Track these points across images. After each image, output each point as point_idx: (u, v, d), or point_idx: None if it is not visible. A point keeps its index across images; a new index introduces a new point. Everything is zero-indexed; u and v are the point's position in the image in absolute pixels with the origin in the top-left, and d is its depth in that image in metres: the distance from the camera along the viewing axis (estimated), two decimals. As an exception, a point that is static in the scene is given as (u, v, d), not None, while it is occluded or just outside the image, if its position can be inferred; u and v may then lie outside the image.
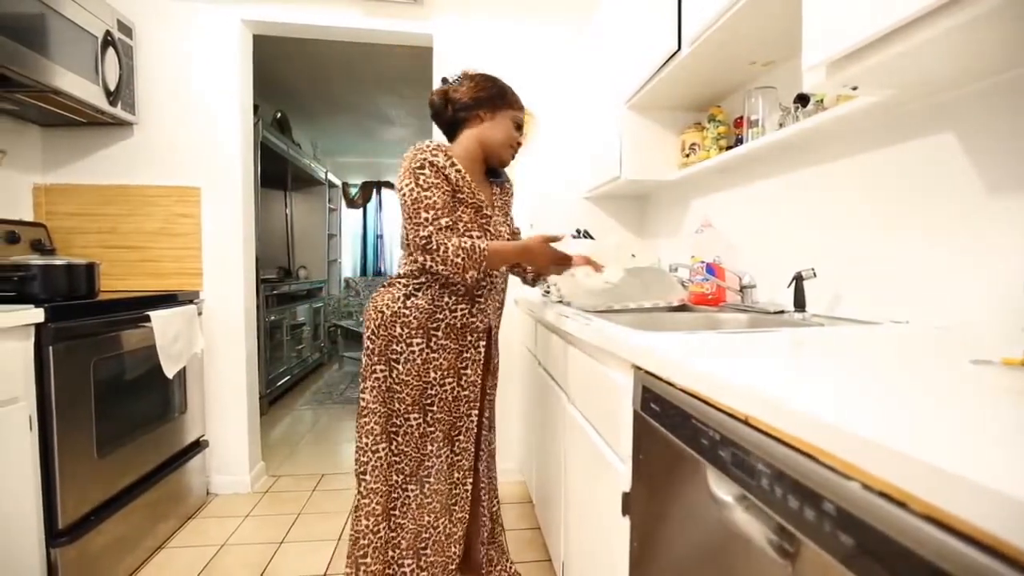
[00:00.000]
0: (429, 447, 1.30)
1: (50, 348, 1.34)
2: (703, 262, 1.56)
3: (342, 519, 1.97)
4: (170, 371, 1.79)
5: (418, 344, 1.27)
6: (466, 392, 1.33)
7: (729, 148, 1.55)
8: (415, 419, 1.29)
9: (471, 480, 1.36)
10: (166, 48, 2.07)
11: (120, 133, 2.07)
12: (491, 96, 1.32)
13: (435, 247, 1.18)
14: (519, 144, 1.37)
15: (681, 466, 0.68)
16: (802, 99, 1.21)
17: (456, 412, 1.33)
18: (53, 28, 1.61)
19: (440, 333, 1.28)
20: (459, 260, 1.18)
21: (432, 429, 1.30)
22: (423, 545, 1.31)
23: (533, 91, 2.28)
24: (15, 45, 1.47)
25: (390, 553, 1.29)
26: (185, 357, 1.89)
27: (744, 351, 0.71)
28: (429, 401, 1.29)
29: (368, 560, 1.28)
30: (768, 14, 1.13)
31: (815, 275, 1.19)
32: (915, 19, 0.65)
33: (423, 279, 1.28)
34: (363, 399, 1.29)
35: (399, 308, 1.26)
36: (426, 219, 1.19)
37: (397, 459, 1.29)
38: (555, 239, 1.32)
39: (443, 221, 1.20)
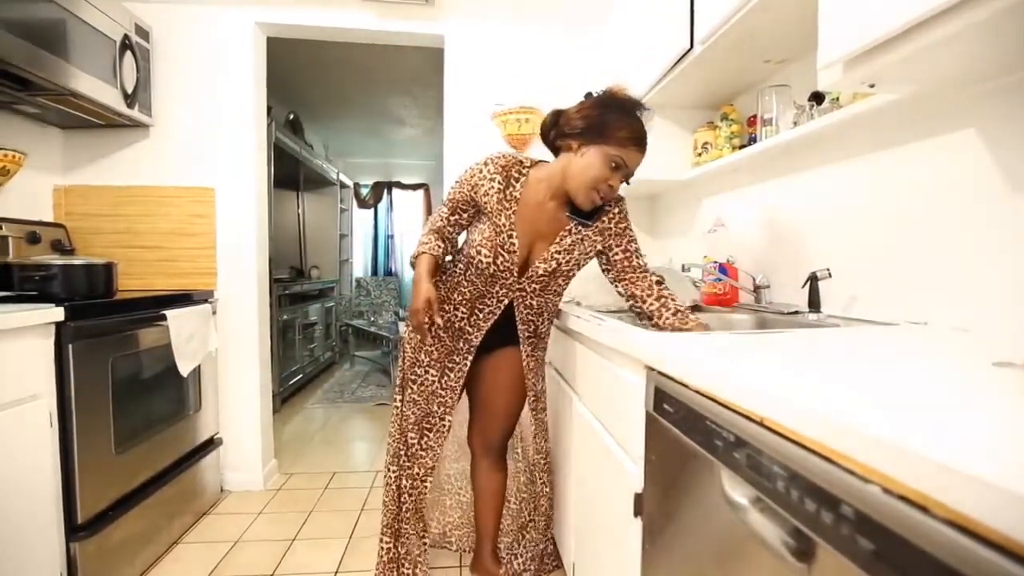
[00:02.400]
0: (411, 420, 1.38)
1: (70, 346, 1.37)
2: (716, 262, 1.54)
3: (354, 517, 1.98)
4: (185, 369, 1.82)
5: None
6: (444, 393, 1.38)
7: (742, 147, 1.54)
8: (408, 392, 1.38)
9: (429, 481, 1.41)
10: (182, 51, 2.10)
11: (137, 135, 2.10)
12: (588, 127, 1.16)
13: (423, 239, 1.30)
14: (611, 187, 1.17)
15: (694, 467, 0.68)
16: (817, 97, 1.20)
17: (430, 404, 1.38)
18: (73, 32, 1.64)
19: (442, 323, 1.31)
20: (417, 248, 1.28)
21: (408, 411, 1.38)
22: (403, 495, 1.40)
23: (543, 90, 2.28)
24: (37, 50, 1.50)
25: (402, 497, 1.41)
26: (200, 356, 1.91)
27: (759, 352, 0.70)
28: (413, 378, 1.37)
29: (384, 497, 1.41)
30: (782, 12, 1.12)
31: (830, 275, 1.18)
32: (935, 14, 0.64)
33: (456, 268, 1.34)
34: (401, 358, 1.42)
35: (435, 281, 1.30)
36: (439, 214, 1.31)
37: (404, 409, 1.40)
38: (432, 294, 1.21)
39: (442, 221, 1.30)
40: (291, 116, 4.10)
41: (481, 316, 1.32)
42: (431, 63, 2.92)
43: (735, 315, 1.35)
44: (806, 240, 1.35)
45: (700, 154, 1.73)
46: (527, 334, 1.36)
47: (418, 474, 1.40)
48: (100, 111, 1.85)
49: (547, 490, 1.48)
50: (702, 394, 0.65)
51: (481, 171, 1.23)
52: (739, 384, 0.55)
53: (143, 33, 1.99)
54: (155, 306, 1.74)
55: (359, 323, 4.93)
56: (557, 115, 1.24)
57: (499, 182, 1.22)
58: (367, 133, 5.17)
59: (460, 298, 1.31)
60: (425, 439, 1.40)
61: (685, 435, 0.69)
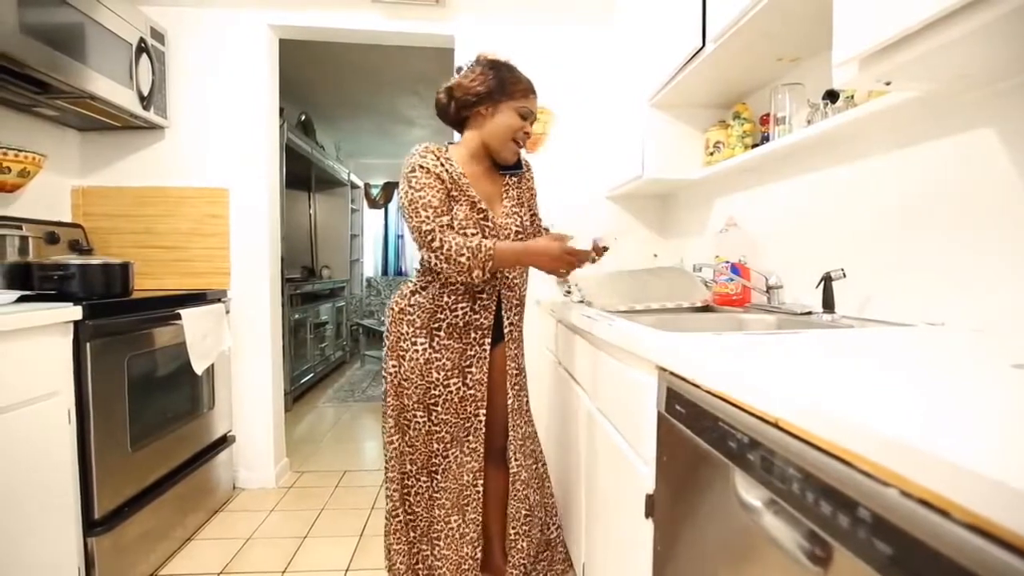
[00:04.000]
0: (435, 445, 1.32)
1: (87, 344, 1.40)
2: (728, 262, 1.53)
3: (364, 515, 1.99)
4: (199, 368, 1.84)
5: (421, 344, 1.29)
6: (472, 391, 1.31)
7: (755, 146, 1.52)
8: (420, 417, 1.31)
9: (482, 482, 1.33)
10: (196, 53, 2.13)
11: (153, 136, 2.14)
12: (490, 90, 1.26)
13: (439, 244, 1.18)
14: (527, 134, 1.31)
15: (707, 469, 0.67)
16: (831, 95, 1.18)
17: (463, 413, 1.32)
18: (91, 36, 1.67)
19: (443, 333, 1.29)
20: (463, 259, 1.17)
21: (438, 429, 1.31)
22: (436, 536, 1.33)
23: (553, 89, 2.27)
24: (56, 53, 1.53)
25: (411, 534, 1.34)
26: (213, 354, 1.94)
27: (772, 353, 0.70)
28: (433, 401, 1.30)
29: (391, 539, 1.34)
30: (796, 9, 1.11)
31: (844, 276, 1.16)
32: (954, 10, 0.63)
33: (428, 277, 1.31)
34: (384, 390, 1.34)
35: (405, 305, 1.31)
36: (426, 217, 1.20)
37: (409, 450, 1.32)
38: (562, 238, 1.26)
39: (444, 219, 1.22)
40: (303, 117, 4.13)
41: (484, 298, 1.32)
42: (440, 64, 2.93)
43: (747, 315, 1.33)
44: (819, 240, 1.33)
45: (712, 153, 1.72)
46: (512, 318, 1.37)
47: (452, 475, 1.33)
48: (117, 113, 1.88)
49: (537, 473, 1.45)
50: (715, 395, 0.64)
51: (427, 175, 1.23)
52: (754, 385, 0.55)
53: (158, 36, 2.02)
54: (170, 305, 1.76)
55: (369, 322, 4.96)
56: (450, 91, 1.32)
57: (443, 176, 1.25)
58: (377, 134, 5.20)
59: (456, 297, 1.29)
60: (460, 452, 1.34)
61: (697, 436, 0.69)
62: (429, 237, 1.19)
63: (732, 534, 0.62)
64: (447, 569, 1.32)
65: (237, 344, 2.18)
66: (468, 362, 1.32)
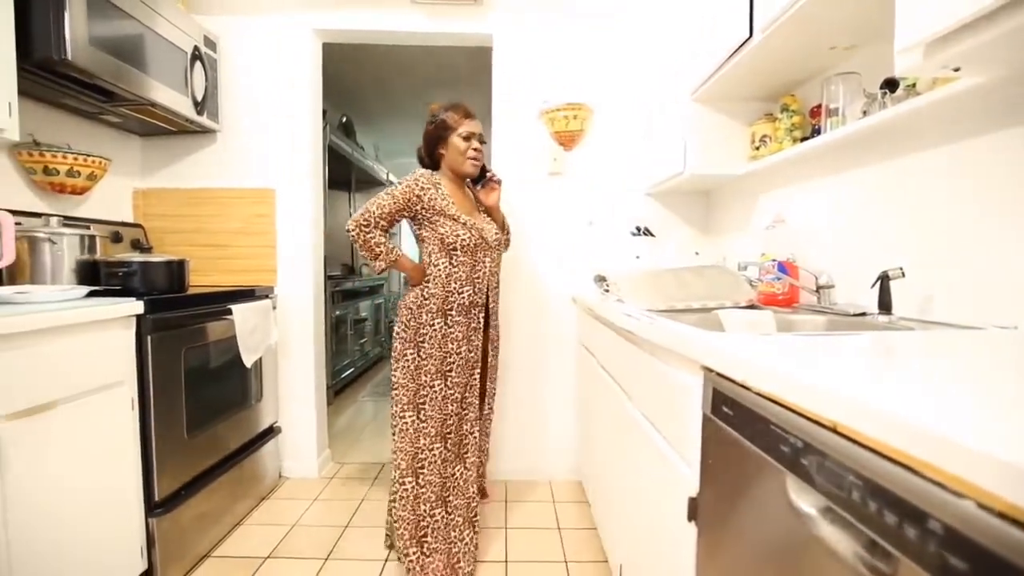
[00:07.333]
0: (450, 407, 1.59)
1: (148, 337, 1.48)
2: (774, 260, 1.48)
3: (402, 508, 2.03)
4: (248, 361, 1.92)
5: (439, 323, 1.58)
6: (473, 355, 1.64)
7: (804, 139, 1.46)
8: (438, 386, 1.57)
9: (476, 429, 1.66)
10: (245, 59, 2.22)
11: (205, 140, 2.24)
12: (436, 137, 1.66)
13: (370, 234, 1.57)
14: (476, 151, 1.64)
15: (755, 473, 0.65)
16: (890, 84, 1.12)
17: (470, 373, 1.64)
18: (151, 46, 1.77)
19: (454, 312, 1.59)
20: (379, 249, 1.57)
21: (452, 392, 1.59)
22: (447, 494, 1.59)
23: (591, 85, 2.25)
24: (121, 64, 1.62)
25: (421, 507, 1.55)
26: (261, 348, 2.02)
27: (827, 354, 0.67)
28: (448, 368, 1.58)
29: (400, 510, 1.55)
30: (853, -6, 1.05)
31: (903, 275, 1.10)
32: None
33: (433, 272, 1.59)
34: (395, 377, 1.59)
35: (422, 301, 1.58)
36: (372, 212, 1.55)
37: (424, 424, 1.56)
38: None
39: (383, 222, 1.57)
40: (344, 119, 4.24)
41: (479, 283, 1.64)
42: (478, 62, 2.95)
43: (796, 316, 1.28)
44: (875, 237, 1.27)
45: (758, 148, 1.66)
46: (495, 297, 1.72)
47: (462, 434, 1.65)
48: (174, 119, 1.98)
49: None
50: (766, 397, 0.62)
51: (403, 191, 1.58)
52: (810, 387, 0.53)
53: (211, 44, 2.12)
54: (222, 301, 1.85)
55: (406, 319, 5.05)
56: (418, 150, 1.77)
57: (413, 198, 1.58)
58: (416, 134, 5.21)
59: (460, 284, 1.59)
60: (467, 408, 1.66)
61: (746, 439, 0.67)
62: (365, 223, 1.56)
63: (782, 541, 0.60)
64: (458, 515, 1.59)
65: (282, 339, 2.26)
66: (472, 332, 1.64)
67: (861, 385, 0.50)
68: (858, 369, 0.60)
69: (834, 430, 0.49)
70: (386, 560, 1.69)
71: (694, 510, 0.84)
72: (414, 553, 1.53)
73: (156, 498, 1.49)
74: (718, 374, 0.75)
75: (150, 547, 1.47)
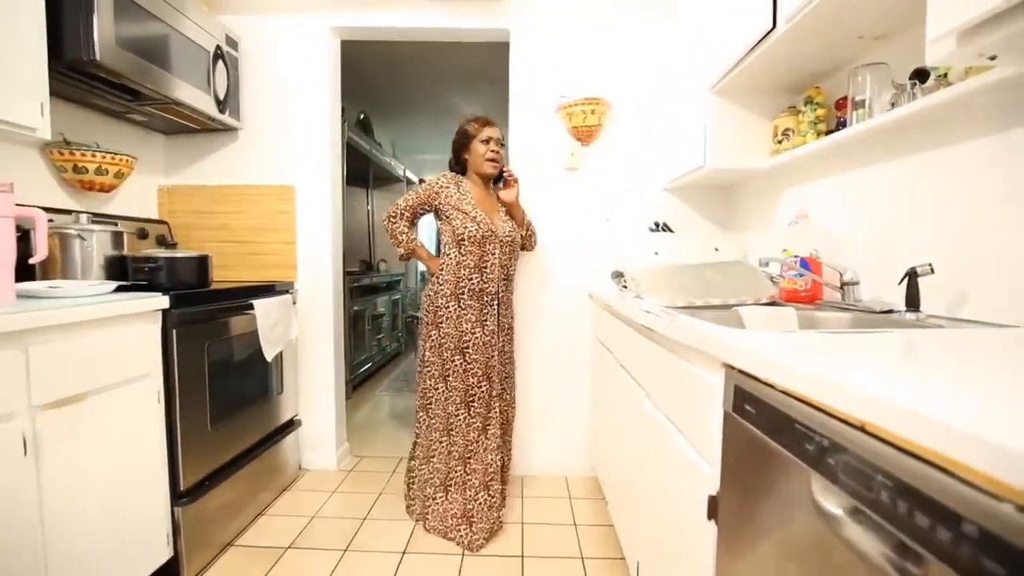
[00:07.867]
0: (471, 380, 1.80)
1: (173, 331, 1.52)
2: (797, 256, 1.45)
3: (419, 501, 2.05)
4: (269, 354, 1.96)
5: (453, 306, 1.80)
6: (488, 339, 1.83)
7: (828, 133, 1.43)
8: (458, 360, 1.80)
9: (498, 407, 1.85)
10: (265, 58, 2.25)
11: (227, 138, 2.28)
12: (460, 144, 1.89)
13: (396, 223, 1.85)
14: (495, 152, 1.85)
15: (778, 472, 0.64)
16: (920, 74, 1.09)
17: (487, 354, 1.82)
18: (175, 46, 1.80)
19: (465, 295, 1.80)
20: (402, 237, 1.85)
21: (471, 366, 1.80)
22: (469, 456, 1.80)
23: (610, 79, 2.23)
24: (147, 64, 1.66)
25: (451, 462, 1.80)
26: (282, 342, 2.05)
27: (854, 352, 0.65)
28: (465, 345, 1.80)
29: (437, 463, 1.81)
30: (882, -19, 1.02)
31: (932, 271, 1.07)
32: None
33: (445, 260, 1.82)
34: (424, 355, 1.85)
35: (438, 287, 1.82)
36: (398, 204, 1.85)
37: (451, 393, 1.80)
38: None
39: (408, 213, 1.84)
40: (361, 116, 4.27)
41: (488, 272, 1.82)
42: (496, 57, 2.94)
43: (819, 313, 1.26)
44: (902, 233, 1.23)
45: (780, 141, 1.62)
46: (503, 287, 1.89)
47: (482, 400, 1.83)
48: (197, 117, 2.02)
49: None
50: (790, 395, 0.61)
51: (426, 187, 1.86)
52: (837, 385, 0.52)
53: (232, 43, 2.15)
54: (244, 296, 1.88)
55: (423, 315, 5.08)
56: (449, 162, 1.97)
57: (434, 195, 1.83)
58: (433, 131, 5.29)
59: (469, 271, 1.80)
60: (490, 384, 1.84)
61: (770, 438, 0.65)
62: (394, 214, 1.85)
63: (805, 541, 0.59)
64: (475, 477, 1.78)
65: (302, 333, 2.30)
66: (484, 317, 1.83)
67: (891, 384, 0.48)
68: (887, 367, 0.59)
69: (862, 429, 0.48)
70: (403, 553, 1.71)
71: (714, 508, 0.83)
72: (440, 498, 1.80)
73: (181, 488, 1.53)
74: (741, 372, 0.74)
75: (176, 535, 1.51)
